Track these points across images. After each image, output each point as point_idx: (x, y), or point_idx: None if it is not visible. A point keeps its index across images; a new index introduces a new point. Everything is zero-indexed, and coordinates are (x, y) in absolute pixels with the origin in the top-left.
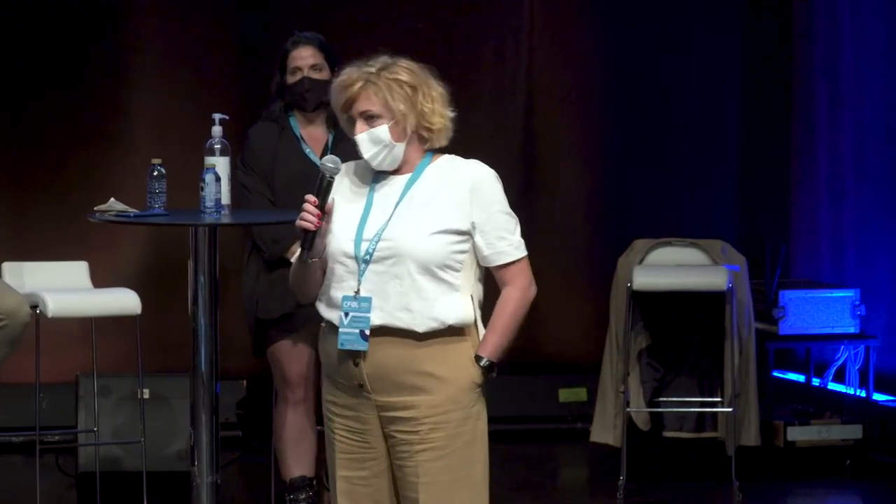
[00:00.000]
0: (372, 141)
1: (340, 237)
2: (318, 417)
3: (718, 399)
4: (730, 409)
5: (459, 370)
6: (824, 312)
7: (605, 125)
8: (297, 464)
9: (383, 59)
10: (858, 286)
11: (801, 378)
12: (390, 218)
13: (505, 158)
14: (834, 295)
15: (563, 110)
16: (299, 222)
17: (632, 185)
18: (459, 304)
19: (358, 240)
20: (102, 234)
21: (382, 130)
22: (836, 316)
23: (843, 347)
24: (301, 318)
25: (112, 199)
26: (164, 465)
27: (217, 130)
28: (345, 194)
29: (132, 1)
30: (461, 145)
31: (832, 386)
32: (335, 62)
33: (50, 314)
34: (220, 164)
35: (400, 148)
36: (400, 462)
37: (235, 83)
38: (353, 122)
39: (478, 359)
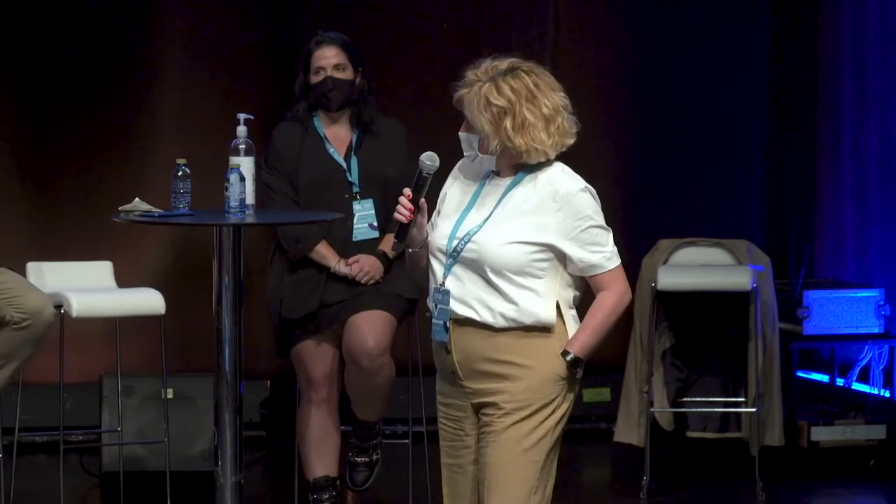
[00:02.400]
0: (465, 143)
1: (438, 233)
2: (342, 418)
3: (742, 399)
4: (754, 410)
5: (543, 362)
6: (848, 312)
7: (630, 124)
8: (321, 464)
9: (496, 68)
10: (883, 286)
11: (825, 378)
12: (484, 222)
13: None
14: (858, 295)
15: (588, 110)
16: (395, 214)
17: (656, 184)
18: (539, 308)
19: (452, 236)
20: (127, 234)
21: (473, 139)
22: (860, 316)
23: (867, 347)
24: (325, 317)
25: (137, 199)
26: (188, 464)
27: (242, 130)
28: (457, 190)
29: (159, 2)
30: None
31: (856, 386)
32: (359, 62)
33: (74, 314)
34: (245, 164)
35: (489, 159)
36: (482, 445)
37: (260, 83)
38: None
39: (564, 353)
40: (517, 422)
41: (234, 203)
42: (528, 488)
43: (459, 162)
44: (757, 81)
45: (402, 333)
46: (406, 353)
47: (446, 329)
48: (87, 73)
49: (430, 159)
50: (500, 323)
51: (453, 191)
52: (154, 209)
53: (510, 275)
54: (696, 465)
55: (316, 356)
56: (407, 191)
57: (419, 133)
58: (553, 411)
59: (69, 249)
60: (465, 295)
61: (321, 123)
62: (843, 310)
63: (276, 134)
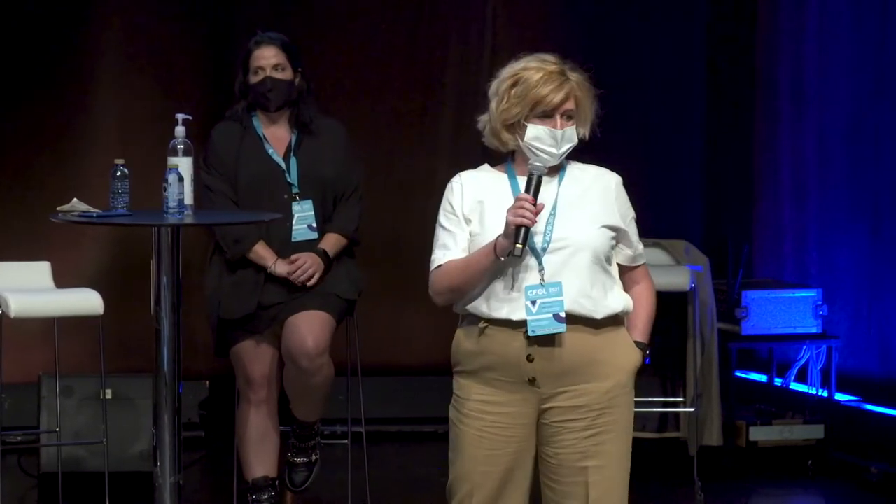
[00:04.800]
0: (569, 139)
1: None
2: (281, 418)
3: (681, 399)
4: (692, 410)
5: (625, 356)
6: (787, 312)
7: None
8: (260, 464)
9: (563, 60)
10: (821, 286)
11: (763, 378)
12: (555, 213)
13: (467, 158)
14: (796, 295)
15: None
16: (516, 219)
17: None
18: (621, 293)
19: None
20: (65, 235)
21: (576, 131)
22: (798, 316)
23: (805, 347)
24: (264, 318)
25: (75, 199)
26: (127, 465)
27: (180, 130)
28: (488, 197)
29: (96, 1)
30: (426, 146)
31: (794, 386)
32: (298, 62)
33: (12, 314)
34: (183, 165)
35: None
36: (560, 449)
37: (198, 83)
38: (543, 117)
39: (639, 344)
40: (613, 421)
41: (172, 203)
42: (626, 483)
43: (461, 175)
44: (695, 81)
45: (341, 334)
46: (345, 353)
47: (560, 321)
48: (23, 72)
49: (540, 160)
50: (602, 313)
51: (486, 197)
52: (92, 209)
53: (603, 260)
54: (635, 464)
55: (255, 356)
56: (527, 195)
57: (358, 132)
58: (633, 401)
59: (6, 250)
60: (565, 290)
61: (260, 123)
62: (782, 310)
63: (215, 134)
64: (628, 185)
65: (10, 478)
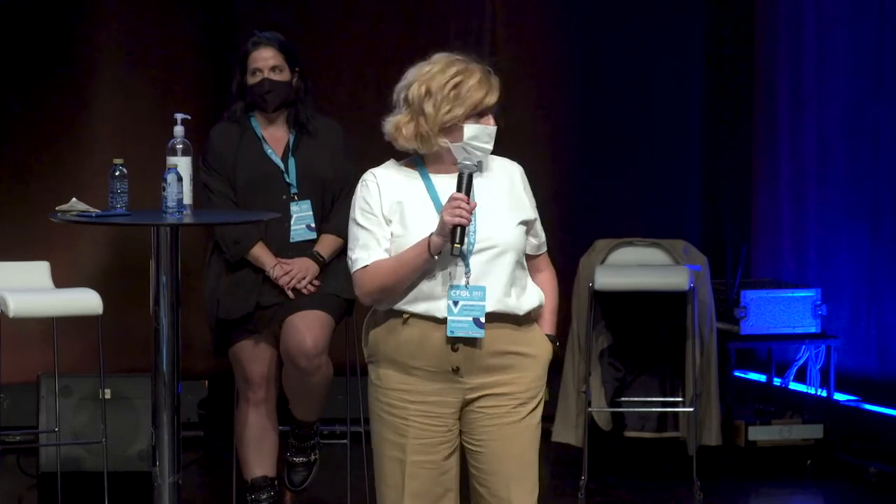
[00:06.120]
0: (492, 136)
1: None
2: (280, 418)
3: (680, 399)
4: (691, 409)
5: (541, 349)
6: (785, 312)
7: (568, 124)
8: (259, 464)
9: (470, 58)
10: (819, 286)
11: (762, 378)
12: (475, 213)
13: None
14: (795, 295)
15: (525, 110)
16: (454, 219)
17: (594, 184)
18: (534, 286)
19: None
20: (64, 234)
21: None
22: (797, 316)
23: (804, 347)
24: (262, 318)
25: (74, 199)
26: (126, 465)
27: (179, 130)
28: (406, 197)
29: (95, 1)
30: None
31: (793, 386)
32: (296, 62)
33: (11, 314)
34: (182, 164)
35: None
36: (484, 438)
37: (197, 83)
38: (477, 116)
39: (550, 337)
40: (532, 410)
41: (171, 203)
42: (537, 470)
43: (375, 173)
44: (693, 81)
45: (340, 333)
46: (344, 353)
47: (480, 325)
48: (23, 73)
49: (467, 159)
50: (523, 309)
51: (404, 197)
52: (91, 209)
53: (521, 257)
54: (634, 464)
55: (253, 356)
56: (460, 195)
57: (355, 131)
58: (543, 395)
59: (6, 249)
60: (490, 290)
61: (258, 124)
62: (780, 309)
63: (214, 134)
64: (625, 186)
65: (9, 478)
